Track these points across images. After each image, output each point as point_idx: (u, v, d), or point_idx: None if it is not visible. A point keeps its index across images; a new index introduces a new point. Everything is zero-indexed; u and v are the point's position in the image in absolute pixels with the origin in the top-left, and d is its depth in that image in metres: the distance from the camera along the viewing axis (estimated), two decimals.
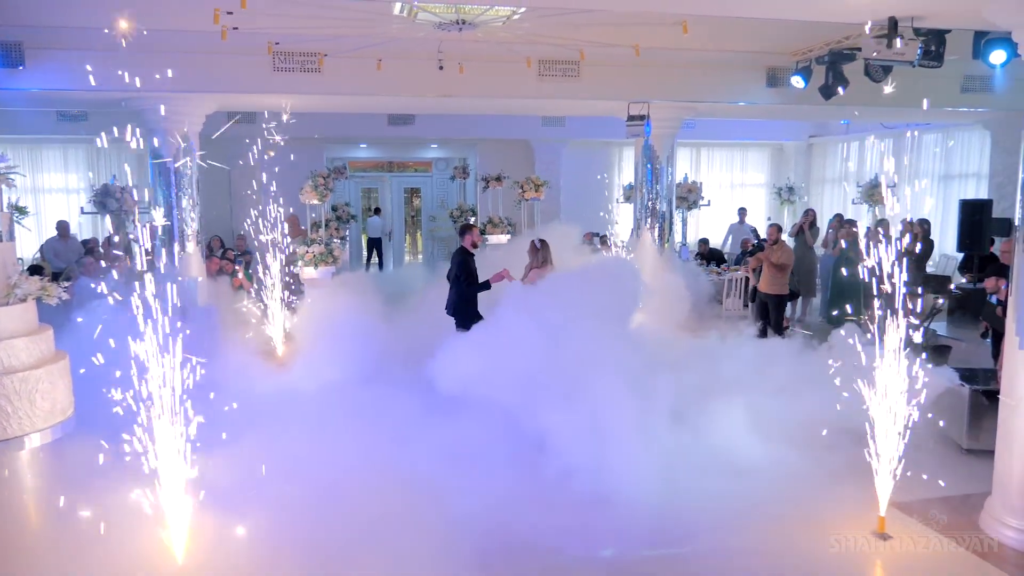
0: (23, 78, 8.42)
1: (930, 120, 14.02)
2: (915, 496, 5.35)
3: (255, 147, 8.62)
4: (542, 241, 8.32)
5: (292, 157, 9.37)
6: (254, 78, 8.83)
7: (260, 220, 9.11)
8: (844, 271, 10.92)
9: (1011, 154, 12.59)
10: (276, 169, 9.07)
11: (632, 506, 5.14)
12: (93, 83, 6.65)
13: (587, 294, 6.66)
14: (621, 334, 6.78)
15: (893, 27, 5.44)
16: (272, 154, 8.63)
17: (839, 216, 12.63)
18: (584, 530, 4.90)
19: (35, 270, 9.61)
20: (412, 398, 6.74)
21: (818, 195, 17.73)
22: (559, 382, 5.94)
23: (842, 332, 7.58)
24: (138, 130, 5.03)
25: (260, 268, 9.22)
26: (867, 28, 5.94)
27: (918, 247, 11.35)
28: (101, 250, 11.67)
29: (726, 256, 14.14)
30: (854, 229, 11.54)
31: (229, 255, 11.40)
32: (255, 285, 10.47)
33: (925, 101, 6.51)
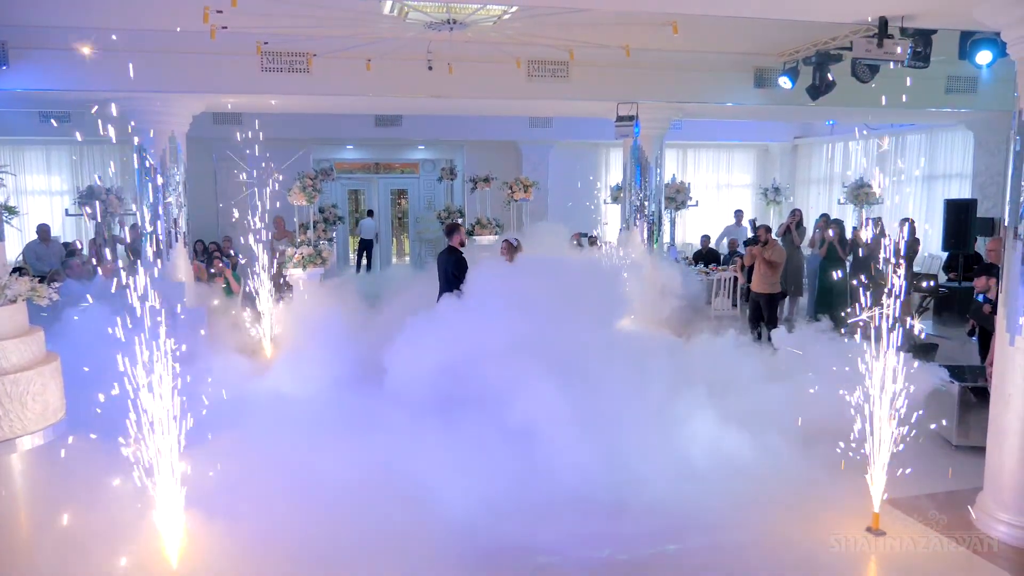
0: (7, 78, 8.31)
1: (914, 121, 14.16)
2: (907, 492, 5.39)
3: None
4: (517, 239, 8.35)
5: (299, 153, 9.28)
6: (242, 78, 8.76)
7: (248, 220, 9.03)
8: (836, 274, 11.06)
9: (994, 154, 12.75)
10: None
11: (625, 507, 5.15)
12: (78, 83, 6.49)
13: (563, 289, 6.62)
14: (604, 330, 6.77)
15: (884, 27, 5.48)
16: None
17: (825, 216, 12.71)
18: (579, 531, 4.89)
19: (17, 273, 9.50)
20: (400, 398, 6.68)
21: (803, 195, 17.85)
22: (540, 379, 5.89)
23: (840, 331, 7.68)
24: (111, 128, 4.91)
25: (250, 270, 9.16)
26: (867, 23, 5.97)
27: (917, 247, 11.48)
28: (85, 252, 11.57)
29: (721, 257, 14.21)
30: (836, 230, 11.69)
31: (218, 259, 11.30)
32: (243, 287, 10.41)
33: (900, 97, 6.55)
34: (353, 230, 18.80)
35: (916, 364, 6.50)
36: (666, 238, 12.17)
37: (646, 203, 10.82)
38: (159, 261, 9.28)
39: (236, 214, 9.07)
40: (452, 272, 7.95)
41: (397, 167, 19.13)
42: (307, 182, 10.64)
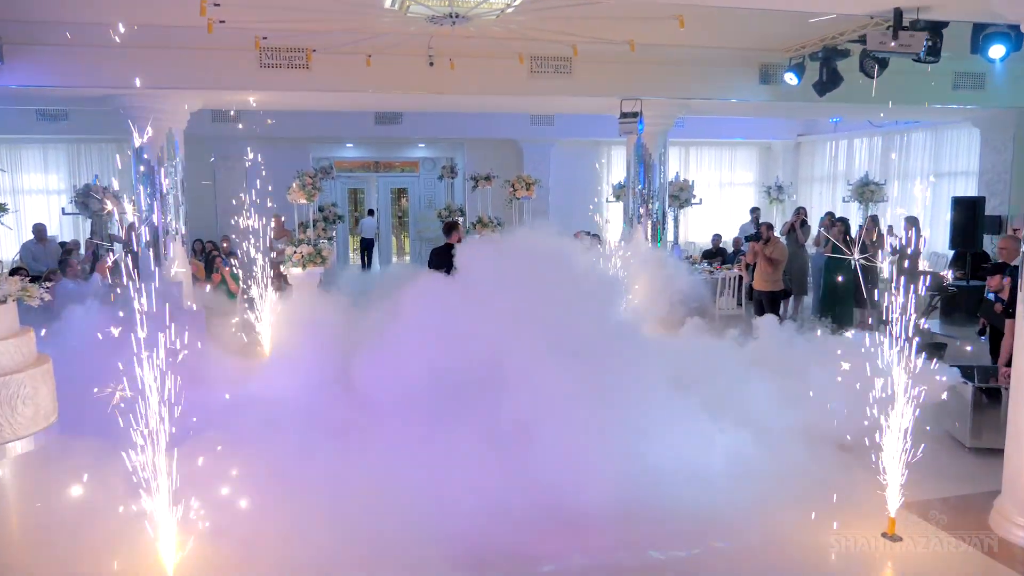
0: (2, 75, 8.18)
1: (919, 118, 14.03)
2: (922, 496, 5.25)
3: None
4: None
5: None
6: (240, 74, 8.64)
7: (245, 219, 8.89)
8: (839, 278, 10.93)
9: (1000, 152, 12.62)
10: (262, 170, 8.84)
11: (634, 510, 5.00)
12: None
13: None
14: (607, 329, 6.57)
15: (899, 18, 5.35)
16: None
17: (830, 214, 12.58)
18: (583, 538, 4.76)
19: (15, 273, 9.36)
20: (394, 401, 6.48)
21: (806, 194, 17.71)
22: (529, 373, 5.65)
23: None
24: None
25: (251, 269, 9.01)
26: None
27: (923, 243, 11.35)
28: (82, 252, 11.43)
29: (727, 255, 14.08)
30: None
31: (218, 257, 11.15)
32: (241, 287, 10.27)
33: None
34: (353, 229, 18.69)
35: (934, 363, 6.42)
36: (670, 236, 12.05)
37: (650, 201, 10.68)
38: (156, 261, 9.14)
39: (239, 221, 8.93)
40: (448, 268, 7.77)
41: (397, 165, 19.00)
42: (306, 180, 10.50)
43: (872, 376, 6.90)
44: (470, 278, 6.24)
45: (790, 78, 9.72)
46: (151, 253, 9.17)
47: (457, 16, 6.82)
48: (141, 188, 9.23)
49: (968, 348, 9.29)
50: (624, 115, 9.88)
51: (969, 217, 11.01)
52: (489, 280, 6.09)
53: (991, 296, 7.91)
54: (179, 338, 7.15)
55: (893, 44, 5.50)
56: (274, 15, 7.24)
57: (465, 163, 16.48)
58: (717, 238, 14.66)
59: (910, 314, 4.93)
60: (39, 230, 11.80)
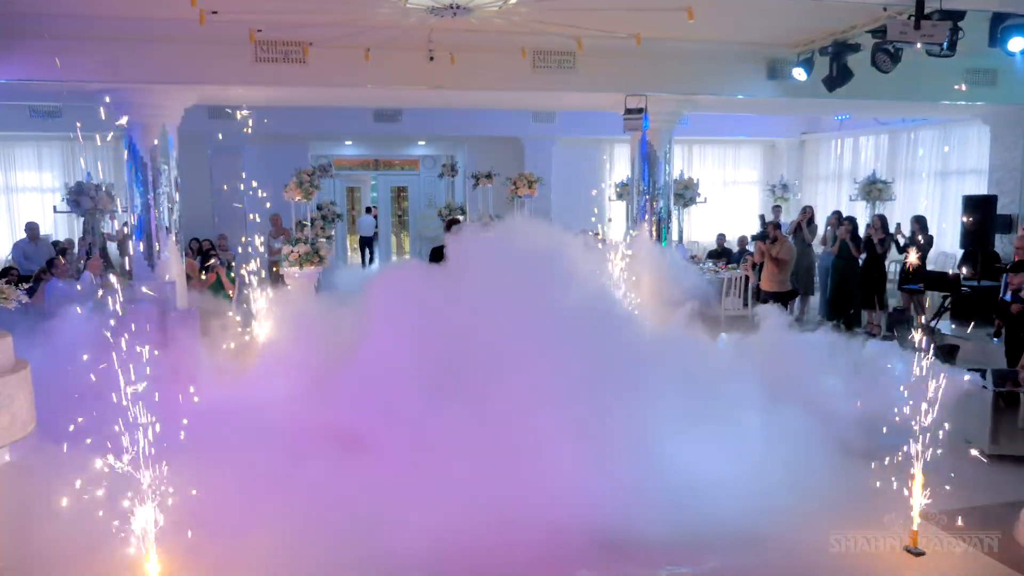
0: None
1: (927, 115, 13.81)
2: (942, 506, 5.02)
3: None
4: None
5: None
6: (235, 69, 8.42)
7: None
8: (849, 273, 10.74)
9: (1011, 149, 12.39)
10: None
11: (643, 523, 4.77)
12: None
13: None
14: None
15: (920, 6, 5.13)
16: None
17: (837, 213, 12.34)
18: (593, 551, 4.53)
19: (5, 273, 9.14)
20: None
21: (811, 192, 17.48)
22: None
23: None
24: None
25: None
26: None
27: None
28: (75, 251, 11.22)
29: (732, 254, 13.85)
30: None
31: (214, 255, 10.92)
32: (236, 287, 10.04)
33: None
34: (351, 227, 18.49)
35: (949, 367, 6.21)
36: (675, 235, 11.83)
37: (655, 199, 10.46)
38: (150, 260, 8.93)
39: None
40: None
41: (397, 164, 18.80)
42: (304, 178, 10.27)
43: (888, 380, 6.73)
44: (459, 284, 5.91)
45: (799, 73, 9.50)
46: (144, 252, 8.95)
47: (458, 7, 6.59)
48: (135, 185, 9.00)
49: (981, 351, 9.07)
50: (629, 111, 9.66)
51: (980, 216, 10.78)
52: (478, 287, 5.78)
53: (1007, 297, 7.71)
54: (170, 338, 6.86)
55: (914, 34, 5.29)
56: (269, 6, 7.03)
57: (466, 161, 16.26)
58: (721, 237, 14.44)
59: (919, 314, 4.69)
60: (32, 229, 11.59)
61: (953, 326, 10.47)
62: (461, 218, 13.72)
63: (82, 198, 10.26)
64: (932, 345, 4.89)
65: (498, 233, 6.47)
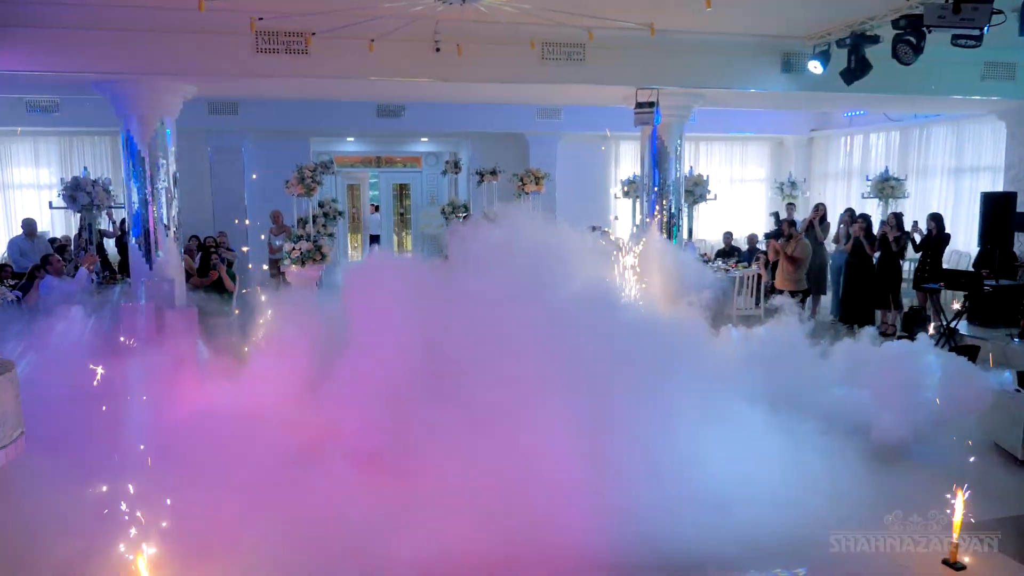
0: None
1: (941, 111, 13.54)
2: (979, 516, 4.77)
3: None
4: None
5: None
6: (234, 60, 8.15)
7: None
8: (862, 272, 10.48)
9: None
10: None
11: (666, 532, 4.51)
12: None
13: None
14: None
15: None
16: None
17: (850, 211, 12.10)
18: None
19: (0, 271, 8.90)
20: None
21: (819, 190, 17.22)
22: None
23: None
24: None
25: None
26: None
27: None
28: (72, 248, 10.97)
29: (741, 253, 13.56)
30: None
31: (214, 254, 10.66)
32: (237, 285, 9.80)
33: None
34: (352, 225, 18.23)
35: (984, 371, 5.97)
36: (685, 234, 11.57)
37: (665, 196, 10.20)
38: (148, 257, 8.67)
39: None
40: None
41: (399, 161, 18.56)
42: (306, 173, 10.02)
43: (914, 382, 6.46)
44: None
45: (815, 66, 9.24)
46: (142, 249, 8.70)
47: None
48: (132, 181, 8.74)
49: (1003, 352, 8.82)
50: (640, 105, 9.40)
51: (999, 214, 10.52)
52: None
53: None
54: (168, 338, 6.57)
55: (953, 19, 5.02)
56: None
57: (469, 158, 16.00)
58: (728, 236, 14.18)
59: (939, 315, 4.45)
60: (28, 225, 11.35)
61: (968, 327, 10.23)
62: (464, 215, 13.49)
63: (78, 193, 10.00)
64: (947, 343, 4.63)
65: (502, 229, 6.21)
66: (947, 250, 12.64)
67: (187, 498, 4.13)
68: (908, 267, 12.00)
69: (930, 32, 7.20)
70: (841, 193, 16.35)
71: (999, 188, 12.26)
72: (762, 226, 16.71)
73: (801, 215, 15.16)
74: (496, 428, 4.75)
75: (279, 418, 5.45)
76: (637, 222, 14.33)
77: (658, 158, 10.17)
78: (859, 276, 11.12)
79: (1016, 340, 9.41)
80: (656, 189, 10.22)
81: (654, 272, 8.41)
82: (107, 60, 7.93)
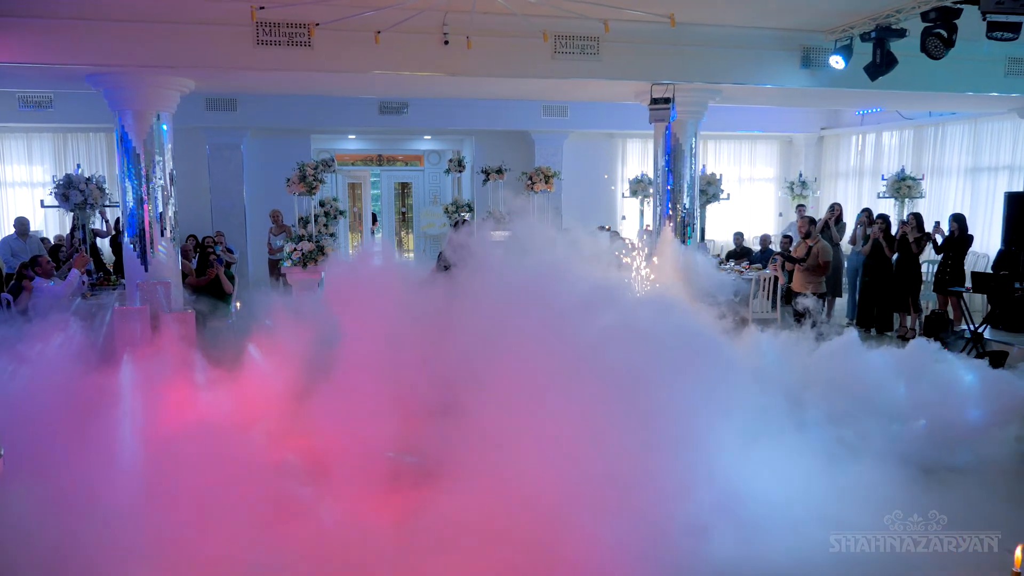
0: None
1: (956, 109, 13.20)
2: None
3: None
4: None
5: None
6: (233, 53, 7.79)
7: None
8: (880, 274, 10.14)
9: None
10: None
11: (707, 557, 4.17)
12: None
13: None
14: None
15: None
16: None
17: (867, 211, 11.77)
18: None
19: None
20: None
21: (830, 190, 16.89)
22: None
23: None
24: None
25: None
26: None
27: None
28: (66, 248, 10.62)
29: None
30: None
31: (212, 253, 10.30)
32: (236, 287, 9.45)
33: None
34: (353, 224, 17.90)
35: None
36: (699, 234, 11.21)
37: (680, 196, 9.85)
38: (143, 258, 8.31)
39: None
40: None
41: (400, 159, 18.24)
42: (308, 171, 9.67)
43: (950, 391, 6.14)
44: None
45: (836, 61, 8.90)
46: (137, 250, 8.33)
47: None
48: (127, 179, 8.38)
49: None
50: (655, 101, 9.06)
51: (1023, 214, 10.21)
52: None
53: None
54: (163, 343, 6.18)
55: (1014, 4, 4.69)
56: None
57: (473, 156, 15.65)
58: (739, 236, 13.85)
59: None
60: (21, 224, 11.00)
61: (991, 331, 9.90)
62: (467, 217, 13.14)
63: (71, 192, 9.63)
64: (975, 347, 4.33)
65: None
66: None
67: (176, 522, 3.77)
68: (926, 269, 11.66)
69: (984, 20, 6.80)
70: (852, 193, 16.01)
71: (1018, 188, 11.94)
72: (772, 226, 16.41)
73: (811, 215, 14.87)
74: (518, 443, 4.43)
75: (276, 433, 5.09)
76: (647, 223, 14.02)
77: (672, 156, 9.81)
78: (877, 278, 10.81)
79: None
80: (670, 188, 9.86)
81: (673, 280, 8.05)
82: (100, 52, 7.57)
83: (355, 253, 5.95)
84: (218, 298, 9.27)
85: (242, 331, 8.06)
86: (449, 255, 6.25)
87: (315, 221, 11.15)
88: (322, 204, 13.01)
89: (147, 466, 4.14)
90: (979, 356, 8.60)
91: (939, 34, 7.34)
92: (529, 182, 11.99)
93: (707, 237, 16.11)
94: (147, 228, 8.32)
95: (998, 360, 8.45)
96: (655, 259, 8.48)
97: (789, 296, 10.50)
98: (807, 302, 7.86)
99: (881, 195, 13.03)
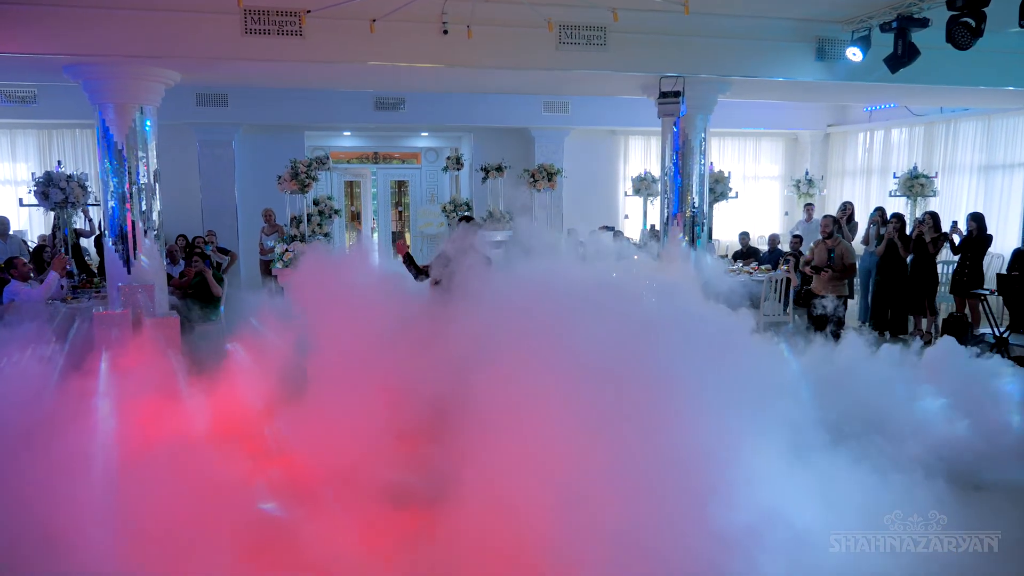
0: None
1: (969, 105, 12.82)
2: None
3: None
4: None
5: None
6: (220, 42, 7.36)
7: None
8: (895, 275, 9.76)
9: None
10: None
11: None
12: None
13: None
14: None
15: None
16: None
17: (881, 210, 11.38)
18: None
19: None
20: None
21: (836, 188, 16.50)
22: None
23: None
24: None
25: None
26: None
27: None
28: (49, 249, 10.18)
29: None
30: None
31: (199, 250, 9.87)
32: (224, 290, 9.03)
33: None
34: (349, 223, 17.50)
35: None
36: (707, 234, 10.80)
37: (689, 194, 9.44)
38: (125, 260, 7.88)
39: None
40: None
41: (397, 157, 17.82)
42: (300, 168, 9.25)
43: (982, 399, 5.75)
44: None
45: (854, 53, 8.51)
46: (119, 251, 7.90)
47: None
48: (109, 176, 7.94)
49: None
50: (664, 95, 8.65)
51: None
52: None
53: None
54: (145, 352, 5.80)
55: None
56: None
57: (471, 153, 15.23)
58: (745, 236, 13.44)
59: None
60: (1, 224, 10.54)
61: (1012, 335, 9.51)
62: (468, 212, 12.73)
63: (51, 190, 9.19)
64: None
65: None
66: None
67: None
68: (941, 270, 11.28)
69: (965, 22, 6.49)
70: (860, 192, 15.63)
71: None
72: (777, 225, 16.03)
73: (820, 214, 14.47)
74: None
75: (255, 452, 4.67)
76: (651, 223, 13.63)
77: (680, 153, 9.40)
78: (891, 280, 10.42)
79: None
80: (678, 187, 9.45)
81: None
82: (78, 41, 7.15)
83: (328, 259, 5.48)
84: (206, 302, 8.83)
85: (229, 337, 7.64)
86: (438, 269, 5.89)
87: (308, 220, 10.74)
88: (316, 203, 12.62)
89: (110, 493, 3.71)
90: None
91: (967, 23, 6.94)
92: (531, 180, 11.55)
93: (713, 236, 15.74)
94: (130, 228, 7.89)
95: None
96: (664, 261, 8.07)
97: (802, 298, 10.11)
98: (828, 305, 7.45)
99: (893, 193, 12.64)
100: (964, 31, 7.02)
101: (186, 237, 11.96)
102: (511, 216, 12.38)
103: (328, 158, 15.28)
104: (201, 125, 13.16)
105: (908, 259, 10.34)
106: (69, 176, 9.44)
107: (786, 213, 16.53)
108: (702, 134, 9.46)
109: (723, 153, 16.64)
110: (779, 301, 9.84)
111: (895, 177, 12.84)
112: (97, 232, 10.89)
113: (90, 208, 10.50)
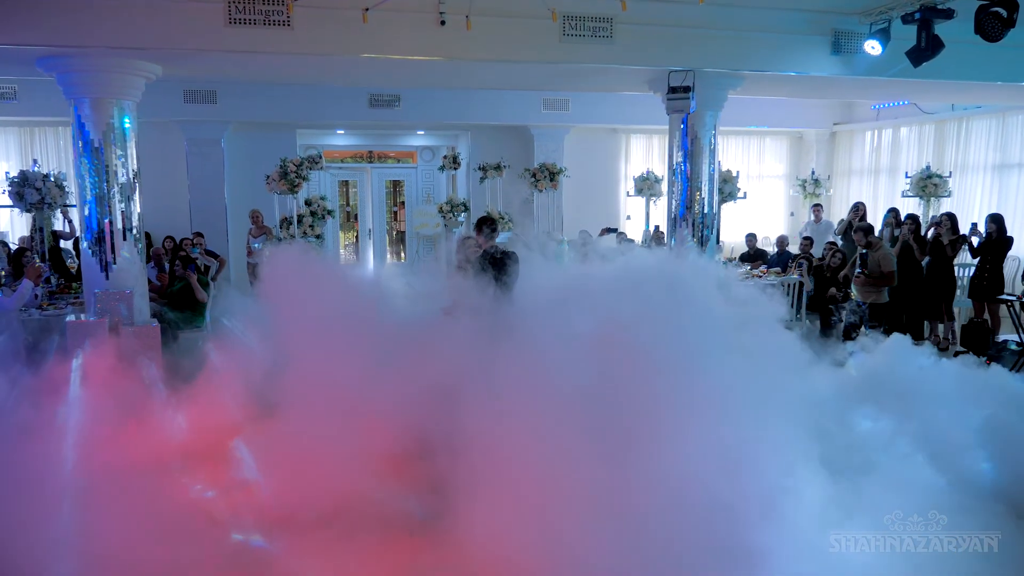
0: None
1: (985, 101, 12.42)
2: None
3: None
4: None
5: None
6: (202, 32, 6.90)
7: None
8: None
9: None
10: None
11: None
12: None
13: None
14: None
15: None
16: None
17: (895, 211, 10.96)
18: None
19: None
20: None
21: (842, 188, 16.10)
22: None
23: None
24: None
25: None
26: None
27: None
28: (28, 255, 9.72)
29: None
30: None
31: (185, 254, 9.40)
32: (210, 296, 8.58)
33: None
34: (344, 224, 17.07)
35: None
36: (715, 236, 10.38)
37: (697, 195, 9.02)
38: (103, 264, 7.43)
39: None
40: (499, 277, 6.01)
41: (392, 156, 17.40)
42: (290, 167, 8.80)
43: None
44: None
45: (872, 46, 8.09)
46: (96, 255, 7.44)
47: None
48: (86, 175, 7.48)
49: None
50: (673, 90, 8.23)
51: None
52: None
53: None
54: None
55: None
56: None
57: (468, 152, 14.79)
58: (752, 238, 13.03)
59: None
60: None
61: None
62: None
63: (26, 190, 8.72)
64: None
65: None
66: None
67: None
68: (957, 273, 10.89)
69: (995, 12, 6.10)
70: (867, 191, 15.23)
71: None
72: (782, 226, 15.63)
73: (827, 215, 14.08)
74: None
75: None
76: (655, 224, 13.20)
77: (689, 152, 8.98)
78: (907, 283, 10.01)
79: None
80: (686, 187, 9.03)
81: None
82: (51, 31, 6.69)
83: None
84: (190, 308, 8.38)
85: (213, 346, 7.19)
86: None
87: (300, 222, 10.30)
88: (308, 203, 12.17)
89: (68, 520, 3.30)
90: None
91: (997, 13, 6.53)
92: (533, 180, 11.12)
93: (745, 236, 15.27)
94: (108, 232, 7.43)
95: None
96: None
97: (815, 303, 9.71)
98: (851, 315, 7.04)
99: (905, 193, 12.24)
100: (995, 21, 6.62)
101: (174, 239, 11.51)
102: (510, 217, 11.96)
103: (321, 157, 14.85)
104: (189, 123, 12.71)
105: (924, 262, 9.95)
106: (45, 176, 8.99)
107: (792, 213, 16.13)
108: (712, 131, 9.04)
109: (726, 152, 16.21)
110: (791, 305, 9.42)
111: (907, 177, 12.43)
112: (78, 235, 10.44)
113: (70, 209, 10.03)
